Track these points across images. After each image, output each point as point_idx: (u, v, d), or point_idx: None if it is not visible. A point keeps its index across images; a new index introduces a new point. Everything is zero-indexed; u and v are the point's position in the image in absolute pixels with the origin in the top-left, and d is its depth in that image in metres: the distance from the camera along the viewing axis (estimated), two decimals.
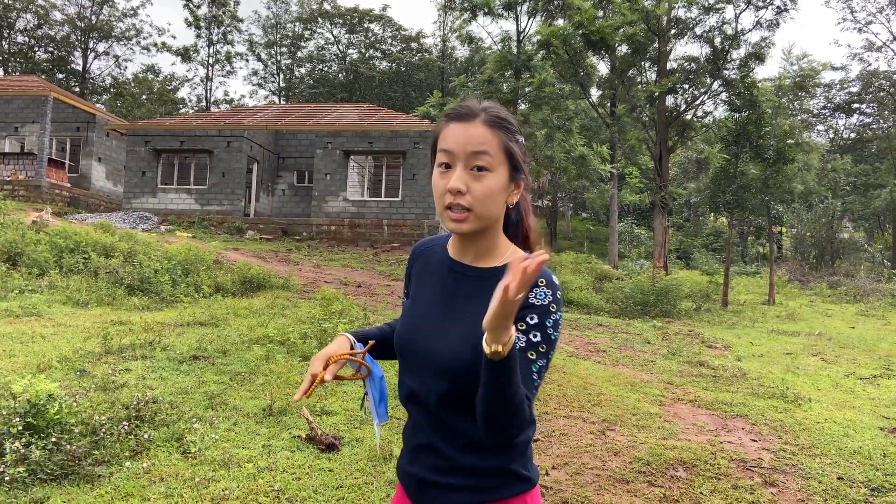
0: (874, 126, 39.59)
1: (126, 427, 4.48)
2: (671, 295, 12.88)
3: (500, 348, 1.13)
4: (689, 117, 15.81)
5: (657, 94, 14.74)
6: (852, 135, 41.00)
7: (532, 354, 1.29)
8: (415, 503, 1.45)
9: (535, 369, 1.29)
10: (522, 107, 19.50)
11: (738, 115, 15.29)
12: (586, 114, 20.33)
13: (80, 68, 45.14)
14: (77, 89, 43.44)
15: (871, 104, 38.57)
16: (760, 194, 15.54)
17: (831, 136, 42.72)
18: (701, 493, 4.23)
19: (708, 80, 14.84)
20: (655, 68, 15.92)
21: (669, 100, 15.73)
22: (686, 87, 15.20)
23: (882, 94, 36.30)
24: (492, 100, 1.47)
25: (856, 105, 40.33)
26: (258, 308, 10.12)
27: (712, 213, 30.26)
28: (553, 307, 1.31)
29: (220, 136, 25.91)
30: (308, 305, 10.79)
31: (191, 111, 46.79)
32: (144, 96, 49.90)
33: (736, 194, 15.26)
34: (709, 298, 16.23)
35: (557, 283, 1.35)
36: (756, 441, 5.34)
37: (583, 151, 17.51)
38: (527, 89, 18.00)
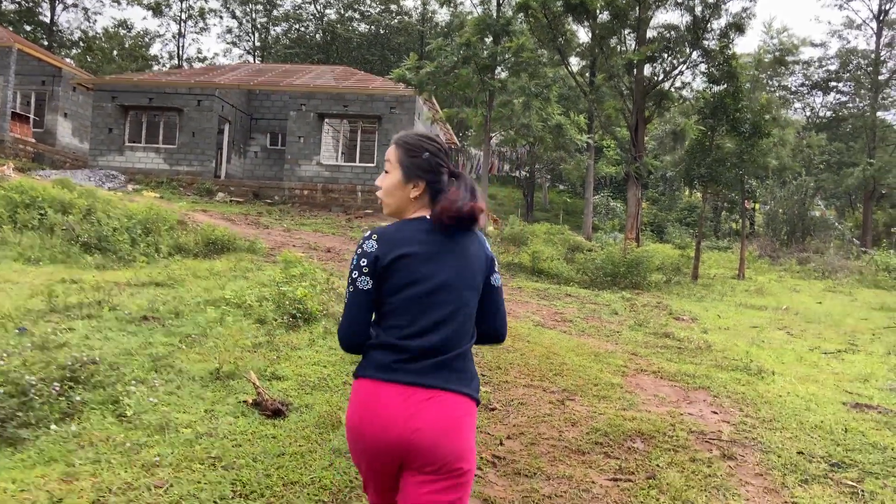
0: (850, 105, 39.80)
1: (58, 388, 4.23)
2: (642, 267, 12.81)
3: None
4: (667, 87, 15.60)
5: (636, 62, 14.46)
6: (828, 113, 41.18)
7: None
8: None
9: (346, 301, 2.02)
10: (501, 73, 19.15)
11: (716, 87, 15.13)
12: (564, 82, 20.04)
13: (47, 20, 43.44)
14: (45, 42, 41.84)
15: (849, 83, 38.69)
16: (735, 168, 15.47)
17: (808, 113, 42.91)
18: (657, 465, 4.12)
19: (687, 50, 14.61)
20: (635, 36, 15.63)
21: (648, 69, 15.49)
22: (665, 56, 14.95)
23: (860, 72, 36.38)
24: (413, 132, 2.18)
25: (833, 83, 40.45)
26: (220, 270, 9.82)
27: (687, 188, 30.29)
28: (355, 252, 2.02)
29: (190, 95, 25.16)
30: (273, 269, 10.51)
31: (163, 69, 45.47)
32: (115, 52, 48.29)
33: (711, 168, 15.17)
34: (679, 271, 16.23)
35: (364, 238, 2.02)
36: (717, 413, 5.25)
37: (560, 120, 17.27)
38: (506, 55, 17.64)
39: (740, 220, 36.20)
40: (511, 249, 15.64)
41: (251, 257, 11.91)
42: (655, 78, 15.41)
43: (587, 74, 20.51)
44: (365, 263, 1.97)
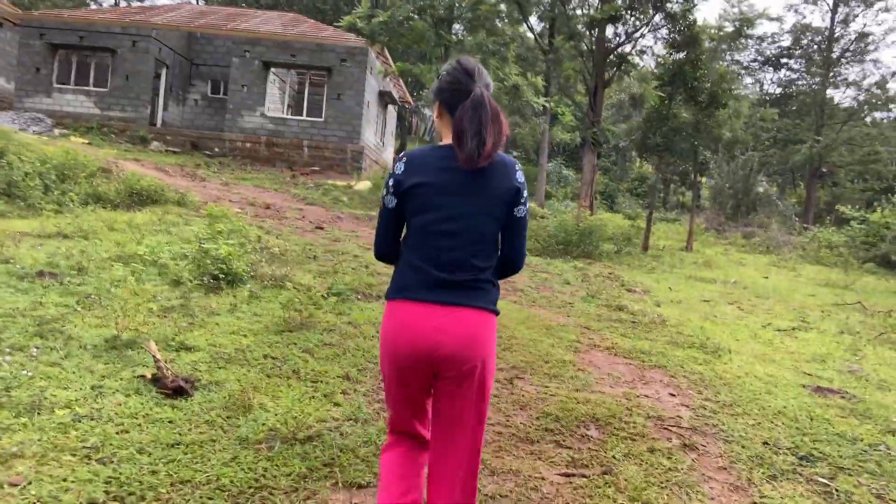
0: (800, 82, 40.32)
1: None
2: (594, 236, 12.44)
3: None
4: (628, 50, 15.13)
5: (598, 20, 13.87)
6: (778, 89, 41.67)
7: None
8: None
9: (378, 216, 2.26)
10: (458, 29, 18.33)
11: (676, 54, 14.72)
12: (523, 40, 19.34)
13: None
14: None
15: (800, 59, 39.12)
16: (690, 139, 15.19)
17: (757, 89, 43.36)
18: (613, 457, 3.66)
19: (651, 12, 14.10)
20: None
21: (610, 31, 14.96)
22: (628, 16, 14.40)
23: (812, 49, 36.74)
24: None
25: (784, 60, 40.85)
26: (140, 223, 8.96)
27: (640, 158, 30.22)
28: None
29: (124, 35, 23.42)
30: (201, 224, 9.69)
31: (101, 6, 42.52)
32: None
33: (666, 136, 14.84)
34: (630, 242, 16.00)
35: (396, 159, 2.19)
36: (675, 396, 4.85)
37: (517, 81, 16.62)
38: (463, 9, 16.81)
39: (688, 193, 36.57)
40: None
41: (179, 211, 11.02)
42: (617, 39, 14.89)
43: (546, 38, 19.79)
44: (392, 184, 2.16)
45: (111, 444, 3.07)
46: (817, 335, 7.83)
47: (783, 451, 4.03)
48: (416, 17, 16.88)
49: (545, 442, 3.78)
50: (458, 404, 2.13)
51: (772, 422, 4.48)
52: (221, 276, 6.06)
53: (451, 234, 2.09)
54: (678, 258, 15.74)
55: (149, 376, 3.86)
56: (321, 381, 4.17)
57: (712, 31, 15.56)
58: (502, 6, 17.41)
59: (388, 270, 8.28)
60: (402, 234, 2.23)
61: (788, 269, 16.67)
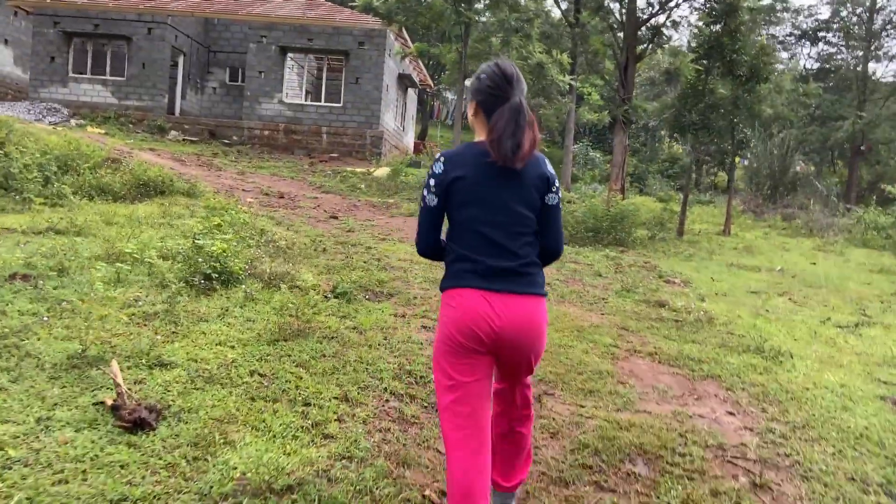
0: (839, 56, 38.55)
1: None
2: (626, 222, 11.60)
3: None
4: (661, 21, 14.15)
5: None
6: (815, 64, 39.93)
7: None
8: None
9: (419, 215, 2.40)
10: (479, 5, 17.48)
11: (713, 25, 13.72)
12: (547, 17, 18.42)
13: None
14: None
15: (838, 33, 37.35)
16: (729, 115, 14.22)
17: (794, 64, 41.57)
18: (668, 503, 2.96)
19: None
20: None
21: (641, 1, 13.98)
22: None
23: (853, 21, 34.99)
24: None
25: (822, 33, 39.09)
26: (142, 216, 8.40)
27: (672, 137, 29.08)
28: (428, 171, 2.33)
29: (139, 22, 22.98)
30: (232, 210, 9.11)
31: None
32: None
33: (703, 114, 13.89)
34: (664, 227, 15.11)
35: (436, 159, 2.32)
36: (734, 415, 4.11)
37: (542, 59, 15.75)
38: None
39: (722, 174, 35.24)
40: None
41: (187, 202, 10.47)
42: (650, 10, 13.90)
43: (572, 13, 18.80)
44: (434, 183, 2.30)
45: (40, 502, 2.45)
46: (883, 331, 6.98)
47: (873, 488, 3.29)
48: None
49: (582, 483, 3.09)
50: (515, 374, 2.42)
51: (855, 448, 3.73)
52: (215, 275, 5.44)
53: (496, 224, 2.23)
54: (716, 243, 14.83)
55: (109, 403, 3.24)
56: (313, 405, 3.52)
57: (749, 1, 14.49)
58: None
59: (402, 265, 7.61)
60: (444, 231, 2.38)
61: (836, 254, 15.64)
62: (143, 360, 3.85)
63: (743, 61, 14.15)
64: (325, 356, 4.29)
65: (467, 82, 29.59)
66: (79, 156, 10.42)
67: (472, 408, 2.25)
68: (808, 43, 39.92)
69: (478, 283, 2.21)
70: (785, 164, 28.23)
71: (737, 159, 33.37)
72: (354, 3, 16.95)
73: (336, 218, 11.56)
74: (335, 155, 22.30)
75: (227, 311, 4.94)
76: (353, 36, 22.66)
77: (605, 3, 14.24)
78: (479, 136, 2.32)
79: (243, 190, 13.47)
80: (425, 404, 3.73)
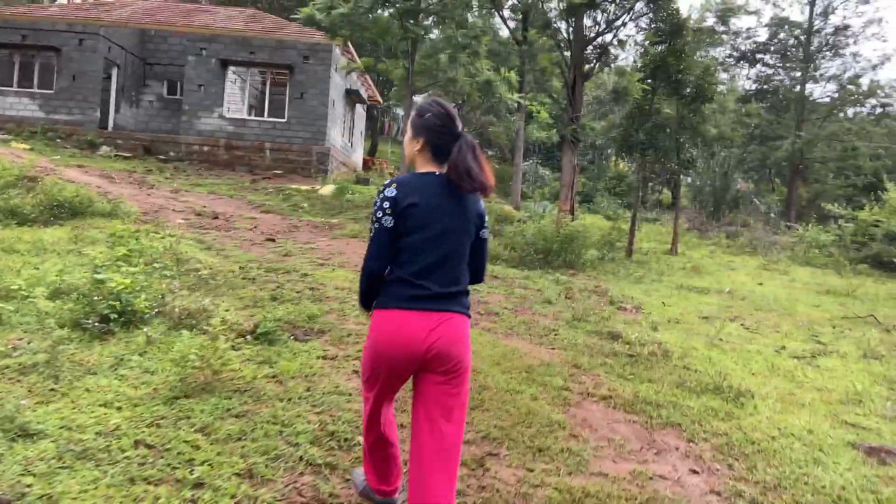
0: (776, 77, 39.66)
1: None
2: (576, 243, 11.29)
3: None
4: (608, 40, 14.00)
5: (577, 5, 12.67)
6: (754, 85, 40.99)
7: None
8: None
9: (369, 235, 2.45)
10: (426, 21, 17.10)
11: (659, 45, 13.64)
12: (495, 34, 18.17)
13: None
14: None
15: (775, 55, 38.45)
16: (675, 135, 14.14)
17: (733, 85, 42.61)
18: None
19: None
20: None
21: (588, 20, 13.81)
22: (608, 2, 13.22)
23: (791, 42, 36.01)
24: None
25: (759, 55, 40.22)
26: (49, 242, 7.59)
27: (619, 156, 29.30)
28: (377, 197, 2.43)
29: (70, 32, 21.83)
30: (141, 238, 8.35)
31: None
32: None
33: (650, 133, 13.77)
34: (613, 247, 14.90)
35: (384, 183, 2.46)
36: (698, 473, 3.67)
37: (489, 76, 15.44)
38: (429, 2, 15.61)
39: (670, 192, 35.71)
40: None
41: (106, 225, 9.65)
42: (597, 28, 13.74)
43: (520, 31, 18.59)
44: (388, 206, 2.40)
45: None
46: (840, 362, 6.74)
47: None
48: (379, 8, 15.62)
49: None
50: (446, 393, 2.47)
51: None
52: (114, 316, 4.76)
53: (443, 251, 2.41)
54: (665, 263, 14.69)
55: None
56: (207, 486, 2.91)
57: (693, 21, 14.51)
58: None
59: (338, 294, 7.02)
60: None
61: (780, 273, 15.72)
62: (5, 430, 3.18)
63: (688, 81, 14.11)
64: (232, 416, 3.68)
65: (416, 98, 29.17)
66: None
67: (389, 400, 2.69)
68: (746, 64, 41.02)
69: (420, 305, 2.38)
70: (726, 182, 28.72)
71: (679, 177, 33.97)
72: (297, 16, 16.34)
73: (273, 240, 10.88)
74: (279, 172, 21.51)
75: (122, 360, 4.27)
76: (298, 50, 22.01)
77: (553, 22, 13.99)
78: (423, 168, 2.52)
79: (173, 210, 12.65)
80: (347, 477, 3.17)
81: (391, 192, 2.39)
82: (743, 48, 40.30)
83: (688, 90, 13.93)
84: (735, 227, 24.02)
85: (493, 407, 4.25)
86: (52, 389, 3.74)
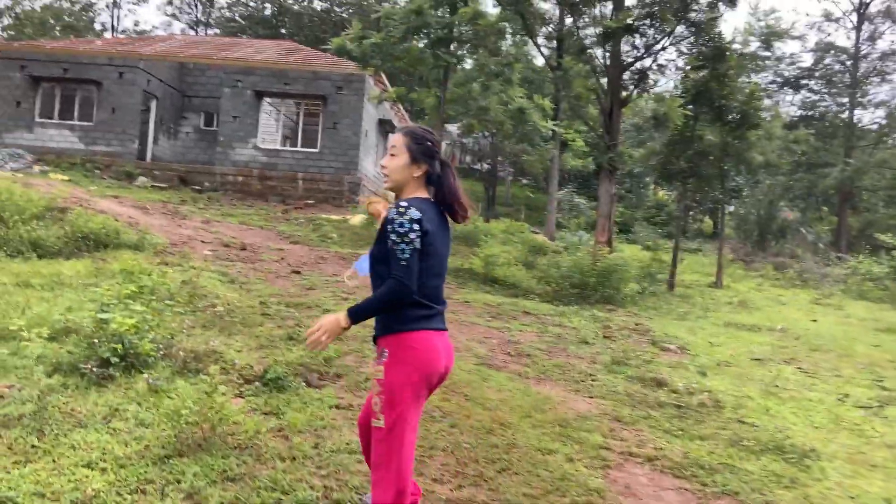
0: (821, 103, 38.54)
1: None
2: (615, 277, 10.71)
3: (344, 326, 2.47)
4: (647, 65, 13.51)
5: (614, 29, 12.24)
6: (798, 111, 39.90)
7: (394, 247, 2.38)
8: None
9: (398, 253, 2.37)
10: (458, 50, 16.88)
11: (701, 69, 13.12)
12: (528, 61, 17.86)
13: None
14: None
15: (821, 80, 37.41)
16: (718, 163, 13.53)
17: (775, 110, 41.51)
18: None
19: (672, 20, 12.42)
20: (610, 3, 13.41)
21: (626, 45, 13.36)
22: (647, 25, 12.75)
23: (837, 67, 34.98)
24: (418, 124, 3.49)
25: (804, 81, 39.21)
26: (68, 276, 7.39)
27: (661, 185, 28.57)
28: (395, 216, 2.39)
29: (110, 66, 22.27)
30: (153, 273, 8.12)
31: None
32: (53, 23, 44.23)
33: (692, 161, 13.20)
34: (654, 279, 14.26)
35: (402, 206, 2.42)
36: None
37: (522, 104, 15.10)
38: (462, 27, 15.39)
39: (708, 221, 34.71)
40: (463, 250, 13.43)
41: (131, 257, 9.47)
42: (635, 53, 13.28)
43: (554, 58, 18.25)
44: (418, 228, 2.42)
45: None
46: None
47: None
48: (412, 38, 15.47)
49: None
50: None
51: None
52: (115, 359, 4.43)
53: (441, 275, 2.58)
54: (710, 297, 13.98)
55: None
56: None
57: (737, 45, 13.98)
58: (506, 25, 15.97)
59: (360, 332, 6.61)
60: None
61: (834, 308, 14.84)
62: None
63: (732, 107, 13.53)
64: (227, 479, 3.27)
65: (452, 128, 28.92)
66: (10, 205, 9.43)
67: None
68: (790, 90, 40.03)
69: (436, 325, 2.51)
70: (771, 211, 27.72)
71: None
72: (328, 47, 16.30)
73: (299, 273, 10.59)
74: (311, 201, 21.43)
75: (116, 410, 3.91)
76: (332, 81, 22.07)
77: (589, 48, 13.58)
78: (415, 193, 2.57)
79: (202, 241, 12.50)
80: None
81: (416, 214, 2.41)
82: (786, 74, 39.39)
83: (732, 116, 13.34)
84: (783, 259, 23.03)
85: (523, 470, 3.76)
86: (34, 446, 3.39)
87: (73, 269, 7.77)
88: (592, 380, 5.95)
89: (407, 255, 2.36)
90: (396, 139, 2.58)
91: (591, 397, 5.45)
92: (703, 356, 7.74)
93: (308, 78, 22.18)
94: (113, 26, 42.28)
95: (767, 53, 19.74)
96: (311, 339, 2.43)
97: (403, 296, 2.36)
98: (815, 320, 12.33)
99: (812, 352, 9.01)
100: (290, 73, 22.23)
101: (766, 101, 38.09)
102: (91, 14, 45.42)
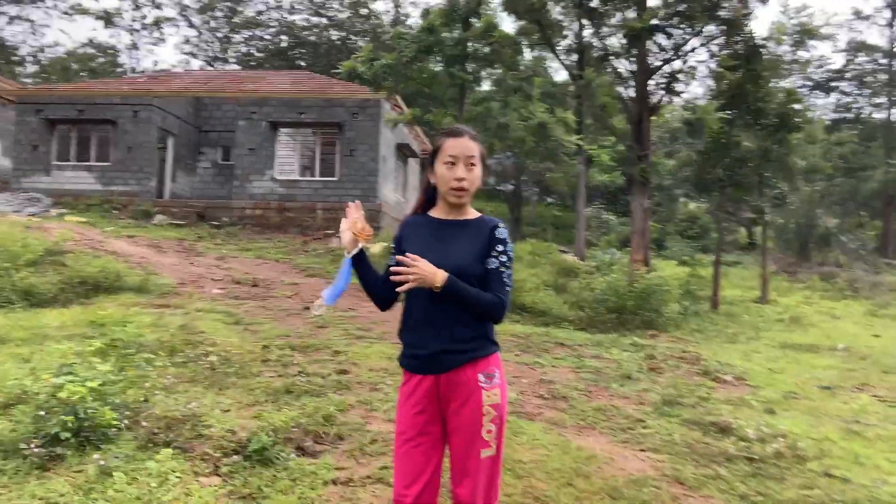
0: (854, 105, 37.12)
1: None
2: (654, 299, 9.76)
3: (437, 285, 2.18)
4: (677, 67, 12.56)
5: (640, 30, 11.37)
6: (831, 114, 38.48)
7: (502, 269, 2.28)
8: (427, 372, 2.29)
9: (505, 278, 2.29)
10: (474, 66, 16.21)
11: (735, 70, 12.20)
12: (548, 76, 17.13)
13: None
14: None
15: (853, 81, 36.04)
16: (759, 169, 12.57)
17: (808, 115, 40.14)
18: None
19: (702, 16, 11.52)
20: (633, 8, 12.56)
21: (652, 47, 12.43)
22: (675, 23, 11.85)
23: (871, 66, 33.59)
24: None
25: (835, 83, 37.87)
26: (53, 327, 6.73)
27: (690, 196, 27.46)
28: (509, 238, 2.34)
29: (125, 105, 22.10)
30: (149, 321, 7.46)
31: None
32: (82, 73, 44.89)
33: (730, 169, 12.25)
34: (694, 297, 13.23)
35: (500, 221, 2.39)
36: None
37: (544, 118, 14.32)
38: (476, 43, 14.74)
39: (745, 231, 33.33)
40: None
41: (132, 301, 8.85)
42: (664, 53, 12.38)
43: (576, 68, 17.46)
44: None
45: None
46: None
47: None
48: (424, 57, 14.85)
49: None
50: None
51: None
52: (66, 435, 3.68)
53: None
54: (757, 315, 12.92)
55: None
56: None
57: (771, 43, 13.05)
58: (522, 38, 15.27)
59: (371, 378, 5.82)
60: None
61: (893, 319, 13.65)
62: None
63: (770, 109, 12.57)
64: None
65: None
66: (2, 252, 8.89)
67: None
68: (821, 94, 38.70)
69: None
70: (811, 218, 26.39)
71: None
72: (338, 70, 15.76)
73: (311, 309, 9.86)
74: (331, 231, 20.80)
75: None
76: (347, 107, 21.59)
77: (612, 55, 12.73)
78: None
79: (212, 279, 11.88)
80: None
81: None
82: (815, 77, 38.11)
83: (770, 119, 12.38)
84: (828, 268, 21.74)
85: None
86: None
87: (59, 319, 7.12)
88: (643, 427, 5.05)
89: (510, 282, 2.32)
90: (471, 146, 2.35)
91: (643, 450, 4.56)
92: (765, 387, 6.77)
93: (322, 106, 21.74)
94: (133, 68, 42.73)
95: (801, 54, 18.76)
96: (404, 270, 2.19)
97: (498, 318, 2.30)
98: (877, 335, 11.21)
99: (885, 374, 7.97)
100: (304, 102, 21.81)
101: (796, 107, 36.88)
102: (111, 57, 46.00)
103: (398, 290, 2.23)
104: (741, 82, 12.09)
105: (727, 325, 11.32)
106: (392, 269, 2.24)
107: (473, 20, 14.56)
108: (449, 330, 2.23)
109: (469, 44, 14.81)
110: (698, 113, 10.67)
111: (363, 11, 38.12)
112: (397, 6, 36.39)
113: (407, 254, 2.22)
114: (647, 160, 11.61)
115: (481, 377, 2.24)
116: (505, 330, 8.67)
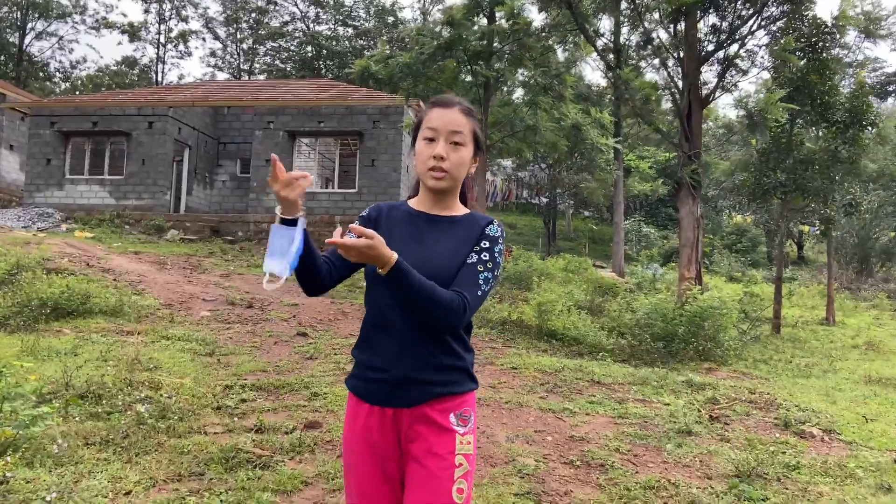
0: None
1: None
2: (712, 323, 8.15)
3: (381, 271, 1.63)
4: (733, 51, 10.88)
5: (690, 4, 9.76)
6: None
7: (480, 268, 1.79)
8: (385, 403, 1.77)
9: (480, 279, 1.78)
10: (499, 64, 14.86)
11: (801, 55, 10.56)
12: (580, 80, 15.68)
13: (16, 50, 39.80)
14: (13, 75, 38.31)
15: None
16: (826, 172, 10.89)
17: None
18: None
19: None
20: None
21: (703, 27, 10.80)
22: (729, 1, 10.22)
23: None
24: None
25: (891, 88, 35.54)
26: None
27: (744, 204, 25.54)
28: (500, 239, 1.86)
29: (139, 116, 21.32)
30: (96, 354, 6.22)
31: None
32: (111, 83, 44.96)
33: (793, 172, 10.60)
34: (751, 320, 11.54)
35: (501, 225, 1.91)
36: None
37: (577, 119, 12.86)
38: (500, 45, 13.41)
39: (801, 245, 31.18)
40: (514, 295, 11.11)
41: (100, 326, 7.65)
42: (717, 36, 10.72)
43: (612, 60, 15.91)
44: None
45: None
46: None
47: None
48: (444, 54, 13.54)
49: None
50: None
51: None
52: None
53: None
54: (826, 340, 11.17)
55: None
56: None
57: (838, 29, 11.40)
58: (552, 34, 13.87)
59: (336, 437, 4.43)
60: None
61: None
62: None
63: (838, 104, 10.90)
64: None
65: (506, 162, 26.63)
66: None
67: None
68: (876, 100, 36.33)
69: None
70: (871, 228, 24.26)
71: (807, 228, 29.51)
72: (350, 70, 14.55)
73: (305, 335, 8.53)
74: None
75: None
76: (367, 115, 20.43)
77: (655, 39, 11.17)
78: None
79: (204, 300, 10.66)
80: None
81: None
82: (869, 81, 35.80)
83: (839, 115, 10.72)
84: (894, 284, 19.67)
85: None
86: None
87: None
88: None
89: (487, 288, 1.81)
90: (459, 121, 1.82)
91: None
92: (864, 445, 5.16)
93: (342, 113, 20.62)
94: (158, 81, 42.48)
95: (867, 46, 16.92)
96: (347, 240, 1.58)
97: (454, 322, 1.73)
98: None
99: None
100: (323, 110, 20.73)
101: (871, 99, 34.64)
102: (138, 71, 45.91)
103: (327, 241, 1.65)
104: (805, 73, 10.47)
105: (794, 353, 9.63)
106: (328, 241, 1.66)
107: (498, 11, 13.23)
108: (420, 350, 1.77)
109: (494, 37, 13.49)
110: (759, 105, 9.11)
111: (389, 20, 37.16)
112: (424, 14, 35.34)
113: (357, 226, 1.68)
114: (698, 160, 10.02)
115: (453, 418, 1.78)
116: (528, 364, 7.18)
